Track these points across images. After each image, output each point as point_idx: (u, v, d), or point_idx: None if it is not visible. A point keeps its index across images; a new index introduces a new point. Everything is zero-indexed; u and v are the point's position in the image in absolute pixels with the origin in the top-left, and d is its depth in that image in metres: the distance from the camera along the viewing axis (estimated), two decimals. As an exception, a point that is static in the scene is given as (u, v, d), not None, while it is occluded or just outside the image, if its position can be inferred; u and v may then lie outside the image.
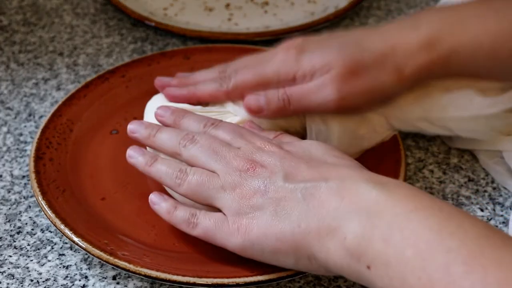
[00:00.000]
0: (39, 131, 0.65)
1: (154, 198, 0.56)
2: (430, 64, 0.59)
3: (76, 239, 0.55)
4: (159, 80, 0.65)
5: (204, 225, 0.53)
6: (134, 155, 0.58)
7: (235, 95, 0.61)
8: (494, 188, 0.65)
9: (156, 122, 0.61)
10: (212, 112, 0.61)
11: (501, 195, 0.64)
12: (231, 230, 0.52)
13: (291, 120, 0.62)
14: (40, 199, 0.58)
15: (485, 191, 0.64)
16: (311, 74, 0.59)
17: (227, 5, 0.88)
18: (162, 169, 0.56)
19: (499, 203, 0.63)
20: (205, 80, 0.63)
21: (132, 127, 0.59)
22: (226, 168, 0.53)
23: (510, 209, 0.63)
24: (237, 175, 0.52)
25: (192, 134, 0.56)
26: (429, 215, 0.45)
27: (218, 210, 0.53)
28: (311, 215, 0.48)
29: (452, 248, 0.42)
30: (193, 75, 0.65)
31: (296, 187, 0.50)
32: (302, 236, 0.48)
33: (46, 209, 0.57)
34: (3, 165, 0.66)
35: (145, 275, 0.53)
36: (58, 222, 0.57)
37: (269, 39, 0.80)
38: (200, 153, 0.55)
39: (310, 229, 0.48)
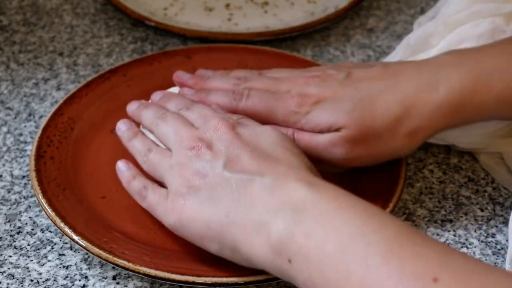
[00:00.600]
0: (40, 129, 0.65)
1: (120, 165, 0.59)
2: (448, 126, 0.59)
3: (75, 237, 0.55)
4: (177, 77, 0.67)
5: (150, 199, 0.56)
6: (121, 127, 0.62)
7: (242, 114, 0.60)
8: (494, 188, 0.65)
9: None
10: None
11: (501, 195, 0.64)
12: (168, 208, 0.53)
13: None
14: (40, 197, 0.58)
15: (485, 191, 0.64)
16: (318, 130, 0.58)
17: (227, 5, 0.88)
18: (136, 146, 0.59)
19: (499, 203, 0.63)
20: (219, 89, 0.63)
21: (129, 105, 0.63)
22: (177, 147, 0.55)
23: (510, 209, 0.63)
24: (184, 154, 0.54)
25: (166, 113, 0.59)
26: (352, 213, 0.46)
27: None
28: (240, 208, 0.49)
29: (371, 242, 0.43)
30: (209, 79, 0.65)
31: (233, 177, 0.51)
32: (228, 227, 0.50)
33: (46, 207, 0.58)
34: (3, 165, 0.66)
35: (144, 274, 0.53)
36: (58, 220, 0.57)
37: (269, 39, 0.80)
38: (166, 131, 0.57)
39: (236, 221, 0.49)
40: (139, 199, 0.57)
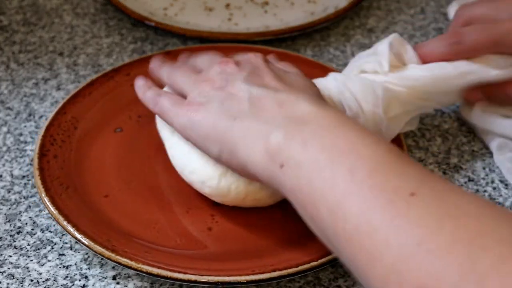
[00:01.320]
0: (43, 128, 0.65)
1: (138, 80, 0.62)
2: None
3: (78, 236, 0.55)
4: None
5: (163, 103, 0.58)
6: (138, 80, 0.63)
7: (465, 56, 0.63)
8: (494, 188, 0.65)
9: None
10: None
11: (501, 195, 0.64)
12: (181, 111, 0.55)
13: None
14: (43, 195, 0.59)
15: (485, 191, 0.64)
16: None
17: (227, 5, 0.88)
18: (148, 95, 0.61)
19: (499, 203, 0.63)
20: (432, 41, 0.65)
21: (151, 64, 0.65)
22: (208, 67, 0.58)
23: (510, 209, 0.63)
24: (213, 69, 0.57)
25: (178, 63, 0.63)
26: (349, 129, 0.48)
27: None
28: (247, 116, 0.52)
29: (362, 156, 0.45)
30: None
31: (249, 88, 0.53)
32: (232, 130, 0.52)
33: (49, 206, 0.58)
34: (3, 165, 0.66)
35: (146, 273, 0.53)
36: (61, 219, 0.57)
37: (269, 39, 0.80)
38: (200, 61, 0.61)
39: (241, 125, 0.51)
40: (152, 105, 0.59)
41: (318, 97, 0.55)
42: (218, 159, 0.54)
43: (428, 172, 0.45)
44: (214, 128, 0.53)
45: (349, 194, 0.44)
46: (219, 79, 0.56)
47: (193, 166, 0.58)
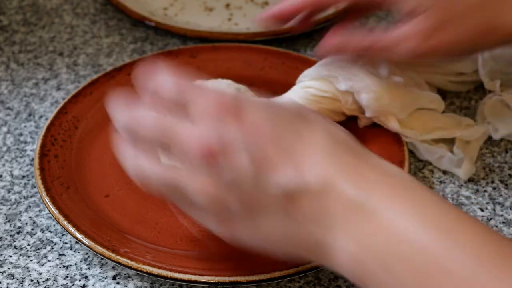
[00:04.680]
0: (44, 128, 0.65)
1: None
2: None
3: (79, 235, 0.55)
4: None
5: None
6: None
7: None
8: (494, 188, 0.65)
9: None
10: None
11: (501, 195, 0.64)
12: (217, 227, 0.48)
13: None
14: (44, 195, 0.59)
15: (485, 191, 0.64)
16: (405, 12, 0.59)
17: (227, 5, 0.88)
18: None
19: (499, 203, 0.63)
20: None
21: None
22: (182, 158, 0.45)
23: (510, 209, 0.63)
24: (198, 163, 0.44)
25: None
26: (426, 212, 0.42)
27: None
28: (295, 227, 0.44)
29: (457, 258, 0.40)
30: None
31: (273, 189, 0.44)
32: (289, 244, 0.46)
33: (50, 205, 0.58)
34: (3, 165, 0.66)
35: (146, 273, 0.53)
36: (61, 218, 0.57)
37: (269, 39, 0.80)
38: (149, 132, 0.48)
39: (299, 244, 0.45)
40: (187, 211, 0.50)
41: (331, 140, 0.45)
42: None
43: None
44: (268, 243, 0.46)
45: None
46: (223, 182, 0.44)
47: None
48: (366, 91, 0.63)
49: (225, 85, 0.64)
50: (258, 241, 0.47)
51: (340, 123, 0.66)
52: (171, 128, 0.46)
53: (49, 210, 0.58)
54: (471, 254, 0.39)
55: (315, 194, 0.43)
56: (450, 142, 0.66)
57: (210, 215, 0.47)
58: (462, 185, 0.65)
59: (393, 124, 0.64)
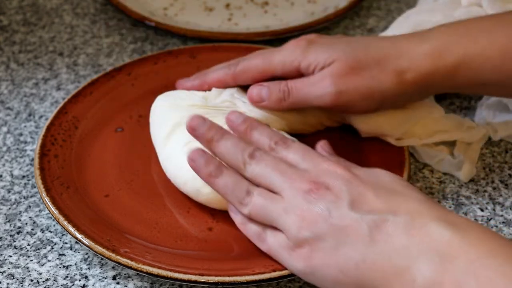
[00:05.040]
0: (44, 128, 0.65)
1: (232, 208, 0.56)
2: (434, 72, 0.59)
3: (79, 235, 0.55)
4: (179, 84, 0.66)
5: (270, 243, 0.53)
6: (197, 159, 0.55)
7: (241, 79, 0.63)
8: (494, 188, 0.65)
9: (162, 120, 0.62)
10: (222, 109, 0.62)
11: (501, 195, 0.64)
12: (293, 256, 0.51)
13: (306, 116, 0.64)
14: (44, 195, 0.59)
15: (485, 191, 0.64)
16: (314, 66, 0.60)
17: (227, 5, 0.88)
18: (228, 185, 0.54)
19: (499, 203, 0.63)
20: (216, 69, 0.65)
21: (194, 124, 0.56)
22: (290, 190, 0.52)
23: (510, 209, 0.63)
24: (300, 197, 0.51)
25: (259, 151, 0.55)
26: (507, 261, 0.43)
27: None
28: (377, 251, 0.47)
29: None
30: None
31: (362, 217, 0.48)
32: (367, 272, 0.47)
33: (50, 205, 0.58)
34: (3, 165, 0.66)
35: (146, 273, 0.53)
36: (61, 218, 0.57)
37: (269, 39, 0.80)
38: (265, 172, 0.53)
39: (375, 266, 0.47)
40: (258, 241, 0.54)
41: (433, 202, 0.49)
42: None
43: None
44: (343, 273, 0.48)
45: None
46: (319, 210, 0.49)
47: (185, 178, 0.58)
48: (356, 115, 0.63)
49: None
50: (332, 270, 0.49)
51: (341, 126, 0.66)
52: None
53: (49, 210, 0.58)
54: None
55: (404, 224, 0.47)
56: (450, 143, 0.66)
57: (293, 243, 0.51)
58: (462, 185, 0.65)
59: (389, 140, 0.64)
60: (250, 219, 0.54)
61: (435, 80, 0.59)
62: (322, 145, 0.59)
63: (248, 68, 0.62)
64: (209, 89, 0.64)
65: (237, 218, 0.55)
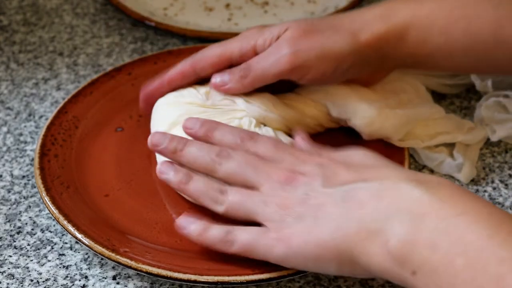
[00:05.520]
0: (44, 127, 0.65)
1: (181, 222, 0.54)
2: (386, 33, 0.60)
3: (78, 235, 0.55)
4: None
5: (243, 240, 0.52)
6: (166, 171, 0.56)
7: (199, 66, 0.62)
8: (494, 188, 0.65)
9: (161, 118, 0.62)
10: (220, 107, 0.62)
11: (501, 195, 0.64)
12: (272, 242, 0.50)
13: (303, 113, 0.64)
14: (44, 195, 0.59)
15: (485, 191, 0.64)
16: (269, 39, 0.61)
17: (227, 5, 0.88)
18: (200, 189, 0.54)
19: (499, 203, 0.63)
20: (175, 65, 0.64)
21: (155, 140, 0.57)
22: (267, 182, 0.52)
23: (510, 209, 0.63)
24: (279, 187, 0.52)
25: (226, 150, 0.55)
26: (477, 219, 0.43)
27: (254, 224, 0.52)
28: (350, 218, 0.47)
29: (504, 258, 0.41)
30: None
31: (336, 190, 0.49)
32: (342, 240, 0.47)
33: (50, 205, 0.58)
34: (3, 165, 0.66)
35: (146, 272, 0.53)
36: (61, 218, 0.57)
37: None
38: (238, 169, 0.54)
39: (350, 232, 0.47)
40: (224, 247, 0.52)
41: (406, 172, 0.50)
42: (339, 274, 0.50)
43: None
44: (322, 246, 0.48)
45: None
46: (297, 196, 0.51)
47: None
48: (358, 118, 0.63)
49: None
50: (312, 246, 0.49)
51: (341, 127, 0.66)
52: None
53: (48, 210, 0.58)
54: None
55: (375, 189, 0.48)
56: (450, 144, 0.66)
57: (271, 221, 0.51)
58: (462, 185, 0.65)
59: (391, 141, 0.64)
60: (208, 227, 0.53)
61: (388, 42, 0.60)
62: (301, 136, 0.59)
63: (205, 55, 0.62)
64: (170, 87, 0.63)
65: (191, 233, 0.53)
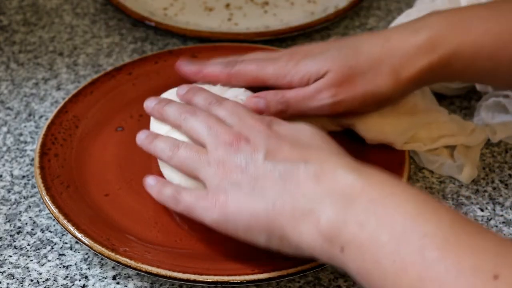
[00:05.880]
0: (44, 127, 0.65)
1: (149, 180, 0.58)
2: (430, 66, 0.59)
3: (78, 235, 0.56)
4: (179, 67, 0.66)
5: (186, 200, 0.54)
6: (139, 136, 0.60)
7: (234, 80, 0.63)
8: (494, 188, 0.65)
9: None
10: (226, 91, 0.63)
11: (501, 195, 0.64)
12: (209, 205, 0.52)
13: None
14: (44, 194, 0.59)
15: (485, 191, 0.64)
16: (307, 78, 0.61)
17: (227, 5, 0.88)
18: (158, 145, 0.57)
19: (499, 203, 0.63)
20: (215, 63, 0.65)
21: (147, 102, 0.61)
22: (214, 143, 0.54)
23: (510, 209, 0.63)
24: (222, 149, 0.53)
25: (194, 109, 0.58)
26: (404, 200, 0.45)
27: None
28: (286, 196, 0.49)
29: (427, 233, 0.42)
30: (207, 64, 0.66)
31: (275, 166, 0.50)
32: (275, 216, 0.49)
33: (50, 204, 0.58)
34: (3, 165, 0.66)
35: (146, 272, 0.53)
36: (61, 217, 0.57)
37: (269, 39, 0.80)
38: (197, 127, 0.56)
39: (284, 209, 0.49)
40: (173, 204, 0.55)
41: (345, 155, 0.51)
42: (267, 247, 0.51)
43: (502, 240, 0.42)
44: (254, 218, 0.50)
45: (425, 279, 0.41)
46: (238, 162, 0.52)
47: (179, 179, 0.58)
48: (361, 123, 0.63)
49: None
50: (244, 215, 0.51)
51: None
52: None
53: (48, 209, 0.58)
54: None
55: (313, 172, 0.49)
56: (450, 146, 0.66)
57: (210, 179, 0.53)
58: (462, 185, 0.65)
59: (394, 146, 0.65)
60: (164, 185, 0.56)
61: (430, 73, 0.60)
62: (250, 100, 0.61)
63: (243, 72, 0.63)
64: (203, 80, 0.64)
65: (153, 190, 0.57)
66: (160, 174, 0.62)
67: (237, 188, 0.51)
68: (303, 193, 0.48)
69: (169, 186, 0.56)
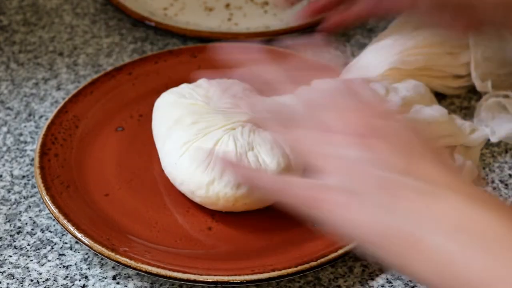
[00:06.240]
0: (44, 127, 0.65)
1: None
2: None
3: (78, 234, 0.56)
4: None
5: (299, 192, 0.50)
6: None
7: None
8: (494, 188, 0.65)
9: (164, 117, 0.62)
10: (223, 110, 0.62)
11: (501, 195, 0.64)
12: (334, 207, 0.48)
13: None
14: (44, 194, 0.59)
15: (485, 191, 0.64)
16: None
17: (227, 5, 0.88)
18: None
19: (499, 203, 0.63)
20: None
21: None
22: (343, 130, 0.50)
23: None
24: (351, 142, 0.49)
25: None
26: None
27: None
28: (394, 214, 0.45)
29: None
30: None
31: (389, 176, 0.47)
32: (379, 232, 0.46)
33: (50, 204, 0.58)
34: (3, 165, 0.66)
35: (146, 272, 0.53)
36: (61, 217, 0.57)
37: (269, 39, 0.80)
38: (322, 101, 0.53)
39: (396, 233, 0.45)
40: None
41: (450, 169, 0.48)
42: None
43: None
44: (360, 231, 0.47)
45: None
46: (359, 161, 0.48)
47: (181, 178, 0.58)
48: None
49: (230, 84, 0.64)
50: (351, 224, 0.47)
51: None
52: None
53: (48, 209, 0.58)
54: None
55: (427, 195, 0.45)
56: (449, 146, 0.66)
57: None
58: (462, 185, 0.65)
59: None
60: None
61: None
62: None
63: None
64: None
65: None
66: (162, 174, 0.62)
67: (356, 194, 0.47)
68: (409, 215, 0.45)
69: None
